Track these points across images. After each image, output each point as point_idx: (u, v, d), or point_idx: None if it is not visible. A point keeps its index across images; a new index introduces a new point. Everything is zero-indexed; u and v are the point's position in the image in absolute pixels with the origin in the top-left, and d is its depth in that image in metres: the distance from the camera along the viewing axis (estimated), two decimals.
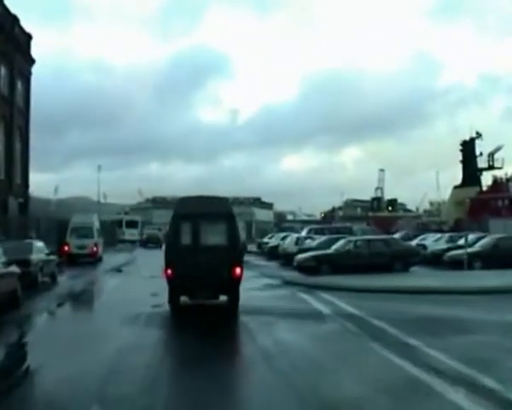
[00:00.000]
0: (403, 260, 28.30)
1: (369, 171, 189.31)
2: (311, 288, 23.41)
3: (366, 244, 28.72)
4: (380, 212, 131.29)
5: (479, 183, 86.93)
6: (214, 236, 16.03)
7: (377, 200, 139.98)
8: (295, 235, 40.41)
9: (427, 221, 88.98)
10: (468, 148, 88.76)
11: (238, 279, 16.35)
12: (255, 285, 25.10)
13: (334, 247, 29.26)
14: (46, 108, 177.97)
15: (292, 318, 16.55)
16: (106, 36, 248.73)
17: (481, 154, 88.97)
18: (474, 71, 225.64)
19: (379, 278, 24.98)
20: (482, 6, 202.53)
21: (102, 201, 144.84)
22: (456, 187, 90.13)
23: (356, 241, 29.25)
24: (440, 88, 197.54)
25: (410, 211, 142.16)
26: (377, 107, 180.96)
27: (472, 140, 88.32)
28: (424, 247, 35.07)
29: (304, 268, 28.38)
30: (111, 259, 44.17)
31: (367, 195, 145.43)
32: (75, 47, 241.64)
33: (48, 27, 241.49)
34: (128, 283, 27.72)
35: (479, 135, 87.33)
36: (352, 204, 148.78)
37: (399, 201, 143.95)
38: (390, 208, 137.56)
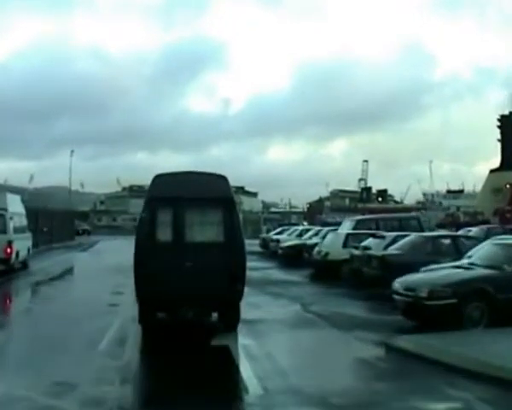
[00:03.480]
0: None
1: (355, 162, 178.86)
2: None
3: None
4: (369, 203, 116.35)
5: None
6: (206, 229, 11.18)
7: (366, 190, 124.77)
8: (340, 231, 23.58)
9: (455, 212, 72.25)
10: (507, 124, 70.39)
11: (239, 292, 11.02)
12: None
13: (485, 259, 12.53)
14: (34, 95, 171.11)
15: None
16: (102, 24, 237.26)
17: None
18: (469, 63, 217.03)
19: None
20: None
21: (80, 190, 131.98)
22: (492, 171, 72.35)
23: None
24: (433, 80, 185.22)
25: (397, 202, 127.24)
26: (369, 99, 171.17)
27: None
28: None
29: (422, 310, 11.60)
30: (48, 262, 27.30)
31: (351, 186, 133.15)
32: (72, 34, 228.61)
33: (44, 13, 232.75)
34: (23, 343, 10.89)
35: None
36: (338, 195, 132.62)
37: None
38: (380, 199, 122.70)
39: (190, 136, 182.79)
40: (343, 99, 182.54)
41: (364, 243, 19.45)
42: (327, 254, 20.97)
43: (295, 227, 36.59)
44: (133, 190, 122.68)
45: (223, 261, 10.88)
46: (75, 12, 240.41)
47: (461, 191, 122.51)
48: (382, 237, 19.05)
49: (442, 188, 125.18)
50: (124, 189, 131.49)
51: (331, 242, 21.62)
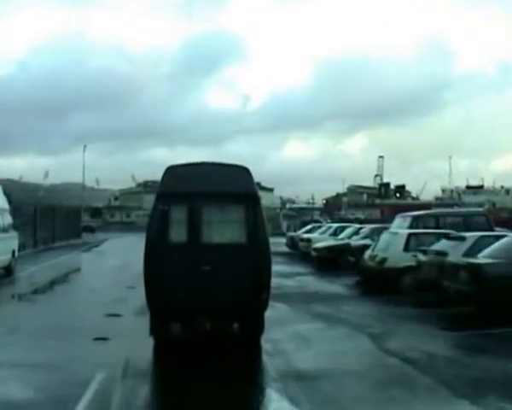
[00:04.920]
0: None
1: (373, 158, 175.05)
2: None
3: None
4: (387, 199, 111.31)
5: None
6: (225, 228, 9.68)
7: (384, 186, 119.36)
8: (397, 230, 18.47)
9: (491, 208, 66.43)
10: None
11: (264, 300, 9.35)
12: None
13: None
14: (52, 92, 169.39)
15: None
16: (121, 21, 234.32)
17: None
18: (487, 60, 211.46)
19: None
20: None
21: (95, 186, 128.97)
22: None
23: None
24: (451, 77, 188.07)
25: (414, 198, 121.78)
26: (387, 95, 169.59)
27: None
28: None
29: None
30: (40, 266, 22.58)
31: (367, 182, 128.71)
32: (92, 31, 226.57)
33: (64, 10, 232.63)
34: None
35: None
36: (355, 190, 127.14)
37: None
38: (398, 195, 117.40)
39: (208, 131, 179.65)
40: (361, 95, 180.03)
41: (436, 247, 14.51)
42: (384, 259, 15.95)
43: (329, 224, 31.72)
44: (148, 186, 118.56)
45: (245, 265, 9.31)
46: (95, 9, 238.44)
47: (481, 187, 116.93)
48: (461, 239, 14.06)
49: (459, 184, 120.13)
50: (138, 184, 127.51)
51: (388, 244, 16.54)
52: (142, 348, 9.51)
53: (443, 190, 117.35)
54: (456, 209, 25.70)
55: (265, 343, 9.84)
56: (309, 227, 32.44)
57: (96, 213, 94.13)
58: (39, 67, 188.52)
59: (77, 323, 11.47)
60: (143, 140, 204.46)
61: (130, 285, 16.09)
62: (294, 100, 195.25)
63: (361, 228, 24.00)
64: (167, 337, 9.71)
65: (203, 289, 9.16)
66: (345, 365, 8.65)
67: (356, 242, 20.69)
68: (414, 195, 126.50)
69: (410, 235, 16.34)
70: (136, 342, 9.85)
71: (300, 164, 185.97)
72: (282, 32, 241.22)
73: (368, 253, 17.08)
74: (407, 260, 15.42)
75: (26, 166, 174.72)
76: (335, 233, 26.56)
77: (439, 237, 15.62)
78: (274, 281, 17.51)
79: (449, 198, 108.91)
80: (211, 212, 9.63)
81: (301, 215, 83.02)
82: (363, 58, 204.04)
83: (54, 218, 35.80)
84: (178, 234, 9.55)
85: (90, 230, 54.45)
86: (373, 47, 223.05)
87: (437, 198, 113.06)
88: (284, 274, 20.18)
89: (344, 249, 20.80)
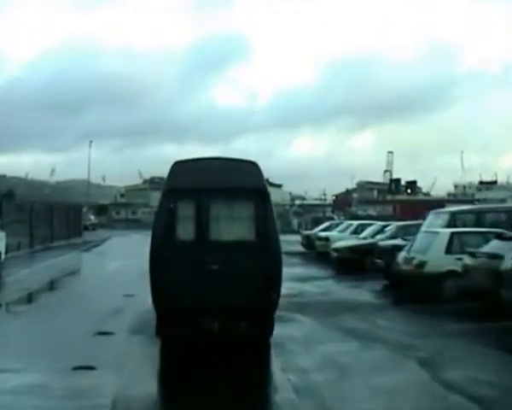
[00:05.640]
0: None
1: (382, 154, 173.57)
2: None
3: None
4: (398, 195, 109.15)
5: None
6: (234, 226, 9.44)
7: (395, 182, 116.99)
8: (436, 228, 16.11)
9: None
10: None
11: (274, 301, 9.18)
12: None
13: None
14: (62, 90, 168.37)
15: None
16: (133, 21, 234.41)
17: None
18: (498, 56, 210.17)
19: None
20: None
21: (102, 183, 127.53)
22: None
23: None
24: (461, 73, 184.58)
25: (426, 194, 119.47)
26: (397, 91, 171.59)
27: None
28: None
29: None
30: (33, 269, 20.60)
31: (377, 178, 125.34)
32: (101, 31, 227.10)
33: (76, 9, 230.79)
34: None
35: None
36: (365, 186, 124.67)
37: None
38: (409, 191, 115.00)
39: (216, 129, 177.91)
40: (369, 92, 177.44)
41: (488, 248, 12.33)
42: (423, 263, 13.75)
43: (348, 222, 29.49)
44: (154, 182, 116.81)
45: (255, 264, 9.11)
46: (105, 10, 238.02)
47: (494, 182, 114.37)
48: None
49: (471, 179, 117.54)
50: (145, 181, 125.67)
51: (427, 245, 14.25)
52: (135, 382, 7.52)
53: (455, 186, 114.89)
54: (499, 205, 23.50)
55: (291, 374, 7.80)
56: (326, 225, 30.23)
57: (101, 210, 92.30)
58: (48, 64, 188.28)
59: (57, 344, 9.36)
60: (151, 137, 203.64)
61: (129, 293, 14.22)
62: (303, 97, 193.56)
63: (386, 226, 21.78)
64: (173, 339, 9.43)
65: (211, 288, 8.98)
66: (398, 408, 6.55)
67: (384, 242, 18.42)
68: (424, 190, 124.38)
69: (452, 234, 14.10)
70: (128, 374, 7.82)
71: (309, 160, 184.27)
72: (290, 30, 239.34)
73: (402, 255, 14.88)
74: (450, 263, 13.29)
75: (32, 163, 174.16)
76: (356, 231, 24.42)
77: (486, 236, 13.47)
78: (292, 286, 15.43)
79: (462, 194, 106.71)
80: (219, 208, 9.41)
81: (311, 212, 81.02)
82: (370, 55, 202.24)
83: (52, 216, 33.82)
84: (185, 231, 9.37)
85: (87, 228, 51.47)
86: (381, 44, 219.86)
87: (449, 194, 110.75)
88: (302, 278, 18.16)
89: (370, 250, 18.59)
